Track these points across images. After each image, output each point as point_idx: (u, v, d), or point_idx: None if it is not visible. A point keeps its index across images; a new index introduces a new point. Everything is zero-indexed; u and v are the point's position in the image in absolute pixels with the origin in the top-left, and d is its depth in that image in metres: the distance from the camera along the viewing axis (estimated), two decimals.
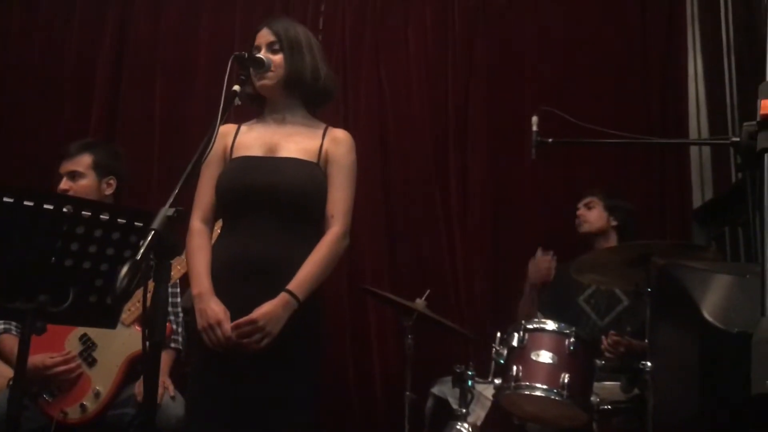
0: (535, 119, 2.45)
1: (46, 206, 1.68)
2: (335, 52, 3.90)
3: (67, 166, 2.78)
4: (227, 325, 1.97)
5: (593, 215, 3.29)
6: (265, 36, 2.20)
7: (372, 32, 3.95)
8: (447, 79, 3.88)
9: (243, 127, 2.25)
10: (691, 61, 3.87)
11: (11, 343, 2.61)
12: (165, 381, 2.59)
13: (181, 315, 2.82)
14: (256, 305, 1.99)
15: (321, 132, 2.22)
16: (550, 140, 2.45)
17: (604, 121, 2.58)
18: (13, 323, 2.65)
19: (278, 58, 2.17)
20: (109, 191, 2.82)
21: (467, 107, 3.86)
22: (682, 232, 3.62)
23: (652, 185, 3.71)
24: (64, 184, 2.76)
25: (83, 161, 2.78)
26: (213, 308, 1.99)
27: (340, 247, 2.13)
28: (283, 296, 1.99)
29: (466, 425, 2.60)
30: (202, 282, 2.05)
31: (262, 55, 2.15)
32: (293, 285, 2.01)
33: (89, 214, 1.73)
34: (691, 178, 3.76)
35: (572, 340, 2.46)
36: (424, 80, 3.88)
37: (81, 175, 2.77)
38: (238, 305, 2.01)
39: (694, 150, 3.79)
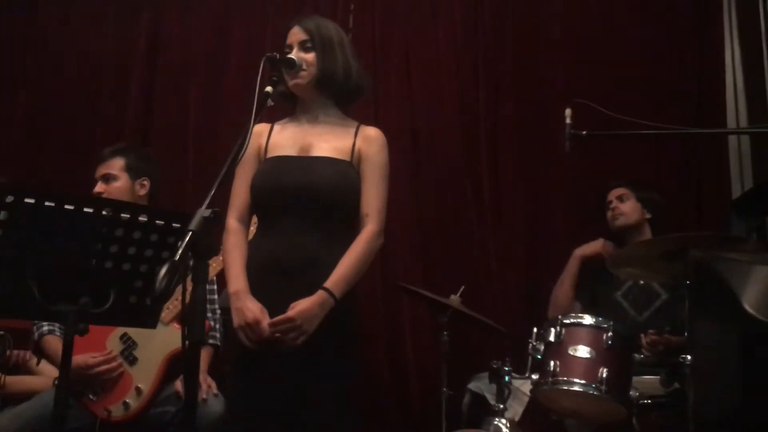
0: (568, 112, 2.44)
1: (85, 210, 1.71)
2: (365, 51, 3.90)
3: (101, 169, 2.87)
4: (264, 324, 1.99)
5: (628, 208, 3.21)
6: (297, 34, 2.21)
7: (401, 29, 3.94)
8: (477, 75, 3.86)
9: (276, 127, 2.27)
10: (728, 50, 3.79)
11: (55, 343, 2.67)
12: (207, 379, 2.63)
13: (218, 312, 2.86)
14: (290, 304, 2.01)
15: (353, 130, 2.23)
16: (584, 132, 2.44)
17: (638, 113, 2.56)
18: (57, 324, 2.71)
19: (310, 56, 2.17)
20: (142, 192, 2.89)
21: (498, 102, 3.83)
22: (721, 223, 3.55)
23: (690, 176, 3.64)
24: (99, 187, 2.84)
25: (116, 164, 2.86)
26: (249, 307, 2.01)
27: (375, 245, 2.14)
28: (320, 294, 2.01)
29: (503, 421, 2.59)
30: (238, 281, 2.07)
31: (294, 54, 2.16)
32: (330, 283, 2.02)
33: (128, 216, 1.76)
34: (729, 168, 3.68)
35: (610, 334, 2.44)
36: (454, 76, 3.86)
37: (114, 178, 2.84)
38: (273, 303, 2.03)
39: (732, 139, 3.72)
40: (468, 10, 3.92)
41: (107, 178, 2.84)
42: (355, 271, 2.08)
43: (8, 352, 2.71)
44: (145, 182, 2.90)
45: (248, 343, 2.00)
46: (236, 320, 2.03)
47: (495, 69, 3.86)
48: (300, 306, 1.99)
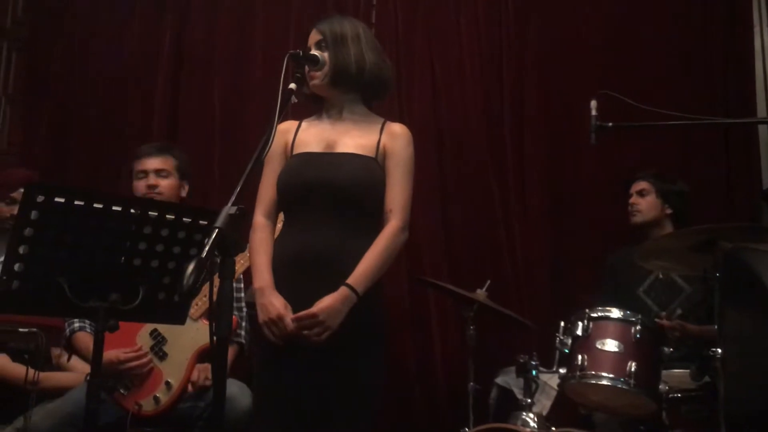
0: (593, 103, 2.41)
1: (114, 208, 1.73)
2: (388, 45, 3.89)
3: (154, 163, 2.87)
4: (288, 319, 2.00)
5: (646, 204, 3.15)
6: (313, 36, 2.22)
7: (424, 23, 3.93)
8: (501, 67, 3.83)
9: (303, 124, 2.28)
10: (758, 37, 3.73)
11: (86, 339, 2.71)
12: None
13: (245, 309, 2.88)
14: (316, 299, 2.01)
15: (379, 126, 2.23)
16: (610, 124, 2.41)
17: (665, 103, 2.53)
18: (87, 321, 2.75)
19: (325, 55, 2.18)
20: (184, 193, 2.95)
21: (522, 94, 3.80)
22: (751, 214, 3.50)
23: (719, 167, 3.59)
24: (153, 180, 2.85)
25: (169, 162, 2.90)
26: (274, 303, 2.02)
27: (399, 240, 2.14)
28: (342, 290, 2.02)
29: (531, 415, 2.59)
30: (264, 276, 2.09)
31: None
32: (352, 279, 2.03)
33: (155, 214, 1.78)
34: (760, 158, 3.62)
35: (638, 327, 2.42)
36: (478, 69, 3.84)
37: (168, 174, 2.88)
38: (298, 299, 2.04)
39: (762, 129, 3.65)
40: (491, 4, 3.89)
41: (162, 173, 2.87)
42: (378, 266, 2.08)
43: (51, 350, 2.75)
44: (186, 185, 2.95)
45: (273, 338, 2.02)
46: (261, 316, 2.05)
47: (519, 62, 3.83)
48: (323, 302, 2.00)
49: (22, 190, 3.17)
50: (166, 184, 2.85)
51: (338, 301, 2.00)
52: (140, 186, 2.86)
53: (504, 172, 3.74)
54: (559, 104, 3.76)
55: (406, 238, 2.17)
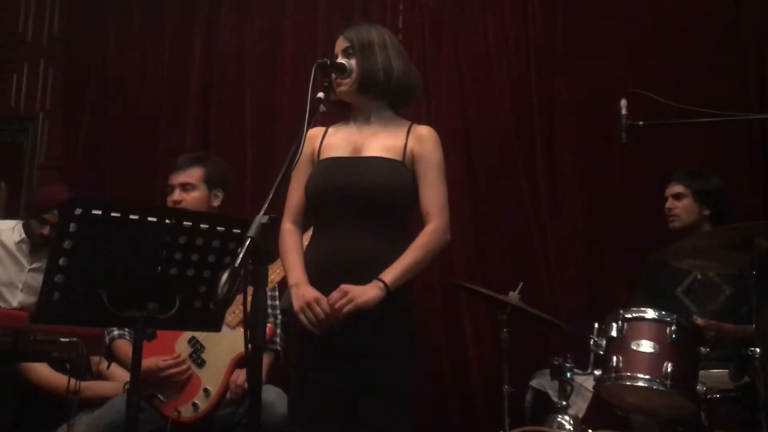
0: (623, 102, 2.39)
1: (150, 219, 1.77)
2: (415, 49, 3.91)
3: (180, 177, 2.91)
4: (324, 301, 2.02)
5: (683, 208, 3.07)
6: (340, 44, 2.24)
7: (450, 25, 3.93)
8: (529, 67, 3.81)
9: (330, 130, 2.30)
10: None
11: (125, 347, 2.77)
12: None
13: (279, 317, 2.91)
14: None
15: (405, 130, 2.24)
16: (641, 123, 2.39)
17: (697, 100, 2.49)
18: (126, 330, 2.81)
19: (352, 62, 2.20)
20: (216, 203, 2.95)
21: (552, 93, 3.77)
22: None
23: (754, 164, 3.51)
24: (177, 195, 2.89)
25: (195, 174, 2.91)
26: (310, 290, 2.05)
27: (439, 239, 2.15)
28: (374, 282, 2.04)
29: (567, 417, 2.57)
30: (297, 273, 2.12)
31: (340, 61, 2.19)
32: (385, 273, 2.05)
33: (190, 224, 1.81)
34: None
35: (674, 328, 2.39)
36: (505, 67, 3.82)
37: (193, 187, 2.89)
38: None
39: None
40: (517, 1, 3.88)
41: (186, 187, 2.89)
42: (415, 263, 2.10)
43: (92, 359, 2.81)
44: (219, 194, 2.96)
45: (309, 326, 2.03)
46: (296, 304, 2.06)
47: (547, 60, 3.80)
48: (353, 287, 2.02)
49: (55, 211, 3.30)
50: (190, 199, 2.87)
51: (367, 287, 2.02)
52: (168, 201, 2.93)
53: (534, 171, 3.71)
54: (588, 100, 3.72)
55: (448, 239, 2.19)
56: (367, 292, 2.01)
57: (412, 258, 2.10)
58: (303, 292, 2.06)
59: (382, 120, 2.26)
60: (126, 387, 2.77)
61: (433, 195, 2.17)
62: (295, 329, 2.15)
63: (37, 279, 3.42)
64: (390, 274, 2.05)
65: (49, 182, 4.34)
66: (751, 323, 2.33)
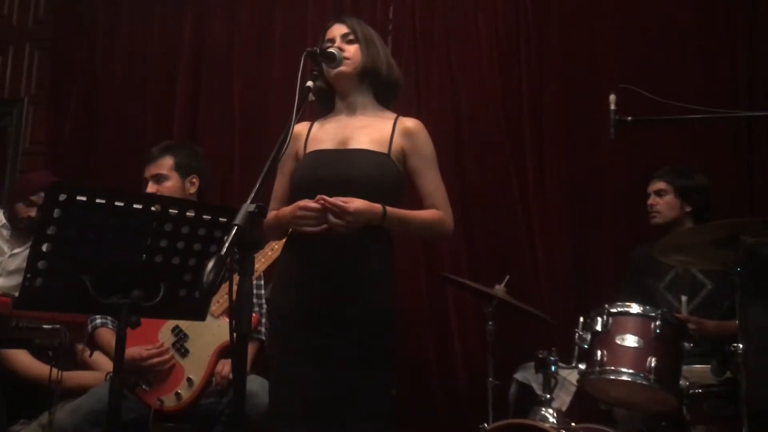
0: (612, 97, 2.40)
1: (135, 206, 1.75)
2: (406, 42, 3.90)
3: (151, 169, 2.88)
4: (315, 200, 2.00)
5: (665, 204, 3.09)
6: (338, 29, 2.24)
7: (442, 20, 3.92)
8: (520, 60, 3.81)
9: (315, 124, 2.30)
10: None
11: (108, 336, 2.75)
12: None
13: (265, 306, 2.90)
14: (331, 298, 2.05)
15: (391, 122, 2.24)
16: (629, 118, 2.39)
17: (686, 97, 2.50)
18: (109, 318, 2.79)
19: (353, 48, 2.20)
20: (192, 190, 2.91)
21: (542, 90, 3.78)
22: None
23: (740, 161, 3.54)
24: (150, 188, 2.85)
25: (165, 163, 2.87)
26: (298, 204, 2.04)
27: (444, 224, 2.19)
28: (376, 204, 2.03)
29: (550, 411, 2.58)
30: (282, 211, 2.12)
31: (335, 47, 2.18)
32: (390, 209, 2.05)
33: (176, 211, 1.80)
34: None
35: (658, 323, 2.40)
36: (497, 64, 3.82)
37: (165, 177, 2.85)
38: (310, 302, 2.07)
39: None
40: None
41: (158, 179, 2.85)
42: (419, 219, 2.13)
43: (76, 347, 2.79)
44: (195, 180, 2.92)
45: (307, 226, 2.02)
46: (290, 215, 2.05)
47: (538, 54, 3.80)
48: (356, 202, 2.01)
49: (42, 193, 3.26)
50: (164, 189, 2.83)
51: (366, 206, 2.01)
52: None
53: (524, 167, 3.72)
54: (578, 99, 3.73)
55: (451, 229, 2.22)
56: (361, 209, 2.00)
57: (419, 215, 2.14)
58: (293, 205, 2.06)
59: (368, 112, 2.26)
60: (108, 376, 2.76)
61: (434, 188, 2.21)
62: (274, 321, 2.15)
63: (16, 263, 3.40)
64: (392, 211, 2.06)
65: (34, 169, 4.30)
66: (732, 319, 2.35)
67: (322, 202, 1.99)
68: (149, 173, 2.88)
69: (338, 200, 1.99)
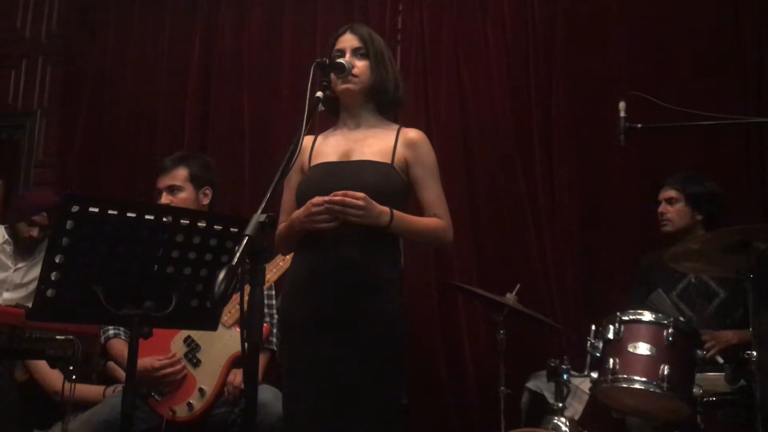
0: (622, 105, 2.40)
1: (147, 217, 1.76)
2: (414, 52, 3.91)
3: (165, 181, 2.89)
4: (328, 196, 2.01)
5: (675, 212, 3.05)
6: (350, 40, 2.24)
7: (450, 28, 3.93)
8: (528, 69, 3.81)
9: (319, 138, 2.32)
10: None
11: (120, 346, 2.76)
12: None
13: (276, 317, 2.91)
14: (337, 310, 2.05)
15: (394, 132, 2.25)
16: (639, 126, 2.39)
17: (696, 104, 2.50)
18: (122, 329, 2.80)
19: (363, 64, 2.21)
20: (206, 201, 2.93)
21: (551, 98, 3.77)
22: None
23: (752, 167, 3.52)
24: (164, 198, 2.86)
25: (180, 174, 2.88)
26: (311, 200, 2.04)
27: (445, 234, 2.21)
28: (384, 207, 2.05)
29: (563, 419, 2.58)
30: (296, 214, 2.11)
31: (345, 59, 2.19)
32: (396, 212, 2.07)
33: (187, 222, 1.81)
34: None
35: (671, 330, 2.39)
36: (505, 71, 3.82)
37: (179, 189, 2.87)
38: (320, 312, 2.07)
39: None
40: (517, 5, 3.87)
41: (172, 189, 2.86)
42: (423, 226, 2.16)
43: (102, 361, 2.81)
44: (208, 191, 2.93)
45: (320, 221, 2.02)
46: (303, 217, 2.05)
47: (547, 62, 3.80)
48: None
49: (44, 213, 3.29)
50: (178, 201, 2.84)
51: (376, 206, 2.03)
52: None
53: (533, 174, 3.71)
54: (587, 105, 3.72)
55: (451, 239, 2.24)
56: (369, 206, 2.01)
57: (423, 221, 2.17)
58: (306, 205, 2.06)
59: (371, 124, 2.28)
60: (106, 391, 2.77)
61: (435, 198, 2.22)
62: (285, 331, 2.17)
63: (21, 275, 3.42)
64: (399, 212, 2.08)
65: (36, 188, 4.37)
66: (745, 327, 2.33)
67: (338, 199, 2.00)
68: (163, 184, 2.89)
69: (351, 192, 2.01)
